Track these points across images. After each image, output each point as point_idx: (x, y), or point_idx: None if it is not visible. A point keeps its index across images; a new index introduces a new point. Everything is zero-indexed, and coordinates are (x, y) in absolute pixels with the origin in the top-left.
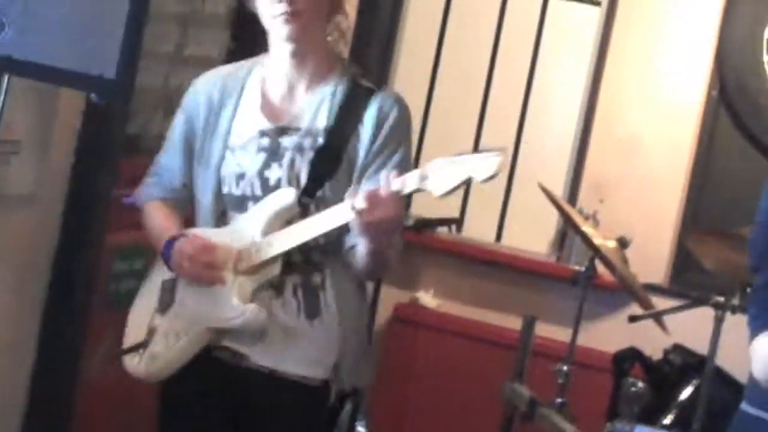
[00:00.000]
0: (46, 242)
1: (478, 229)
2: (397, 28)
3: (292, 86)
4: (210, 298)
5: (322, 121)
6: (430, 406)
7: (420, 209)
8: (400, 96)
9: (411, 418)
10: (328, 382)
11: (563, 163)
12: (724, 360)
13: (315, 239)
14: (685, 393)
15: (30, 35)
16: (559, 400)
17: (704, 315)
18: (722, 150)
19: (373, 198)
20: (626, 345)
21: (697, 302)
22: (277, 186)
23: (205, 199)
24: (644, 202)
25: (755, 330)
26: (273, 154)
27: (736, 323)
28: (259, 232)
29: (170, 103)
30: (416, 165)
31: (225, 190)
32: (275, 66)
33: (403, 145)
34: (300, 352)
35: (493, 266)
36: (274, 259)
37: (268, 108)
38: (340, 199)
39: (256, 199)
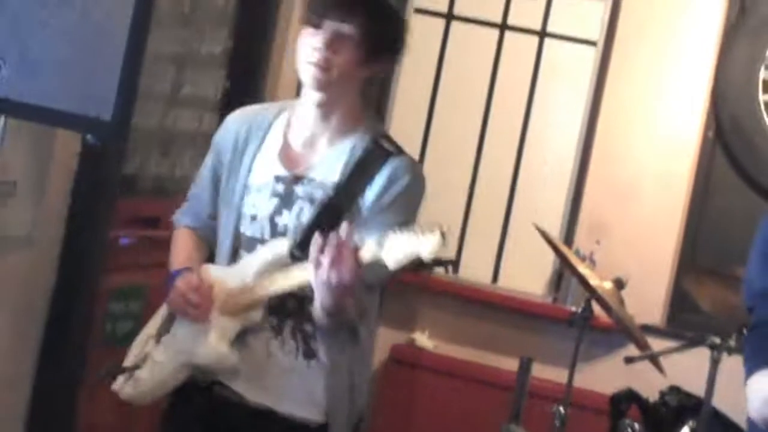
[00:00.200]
0: (42, 283)
1: (475, 270)
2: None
3: (315, 136)
4: (194, 334)
5: (336, 176)
6: None
7: None
8: (416, 164)
9: None
10: (326, 425)
11: (560, 204)
12: (721, 401)
13: (304, 290)
14: None
15: (27, 76)
16: None
17: (701, 356)
18: (718, 190)
19: (330, 249)
20: (623, 386)
21: (693, 343)
22: (284, 233)
23: (224, 234)
24: (641, 242)
25: (751, 370)
26: (285, 200)
27: (733, 364)
28: (251, 276)
29: (166, 143)
30: None
31: (242, 229)
32: (301, 113)
33: (404, 213)
34: (298, 392)
35: (490, 307)
36: (255, 304)
37: (286, 154)
38: None
39: (265, 242)
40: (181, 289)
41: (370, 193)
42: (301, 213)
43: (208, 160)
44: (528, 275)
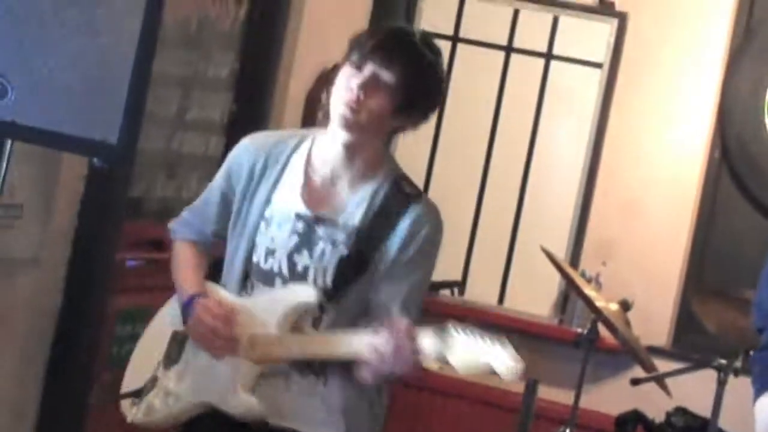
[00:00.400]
0: (49, 305)
1: (481, 291)
2: None
3: (336, 175)
4: (216, 373)
5: (357, 220)
6: None
7: None
8: (436, 209)
9: None
10: None
11: (566, 226)
12: (727, 423)
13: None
14: None
15: (33, 100)
16: None
17: (707, 377)
18: (724, 211)
19: (394, 349)
20: (629, 407)
21: (699, 365)
22: (304, 273)
23: (236, 260)
24: (647, 264)
25: (759, 391)
26: (305, 240)
27: (739, 386)
28: (275, 324)
29: (172, 166)
30: None
31: (254, 259)
32: (324, 149)
33: (425, 264)
34: (317, 413)
35: (496, 329)
36: (284, 361)
37: (309, 192)
38: (358, 302)
39: (283, 277)
40: (210, 323)
41: (394, 243)
42: (323, 256)
43: (219, 181)
44: (534, 297)
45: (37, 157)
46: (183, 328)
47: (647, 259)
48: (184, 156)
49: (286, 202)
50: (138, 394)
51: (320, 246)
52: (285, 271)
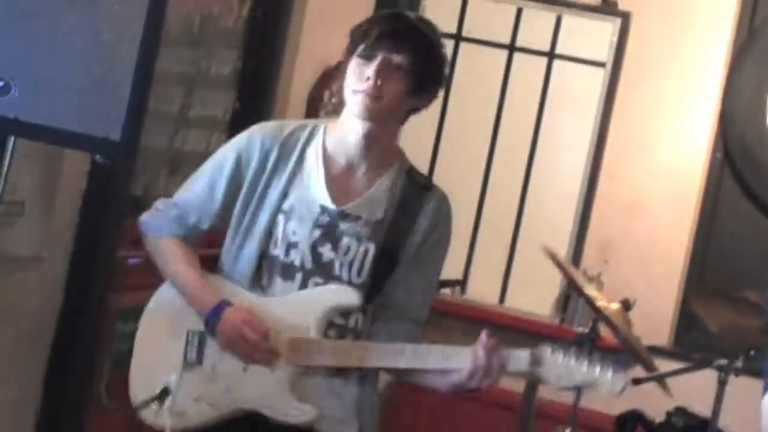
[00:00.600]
0: (50, 302)
1: (482, 290)
2: None
3: (353, 166)
4: (253, 378)
5: (380, 214)
6: None
7: None
8: (447, 197)
9: None
10: None
11: (568, 225)
12: (728, 423)
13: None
14: None
15: (36, 97)
16: None
17: (707, 377)
18: (726, 212)
19: (485, 369)
20: (629, 407)
21: (700, 365)
22: (330, 265)
23: (245, 253)
24: (648, 263)
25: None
26: (329, 233)
27: (740, 386)
28: (314, 327)
29: (175, 163)
30: None
31: (273, 252)
32: (340, 140)
33: (441, 261)
34: (336, 411)
35: (497, 328)
36: (329, 366)
37: (333, 185)
38: (384, 298)
39: (305, 270)
40: (245, 332)
41: (416, 238)
42: (348, 250)
43: (225, 170)
44: (535, 296)
45: (40, 154)
46: (197, 329)
47: (649, 258)
48: (186, 153)
49: (309, 195)
50: (159, 399)
51: (345, 241)
52: (309, 264)
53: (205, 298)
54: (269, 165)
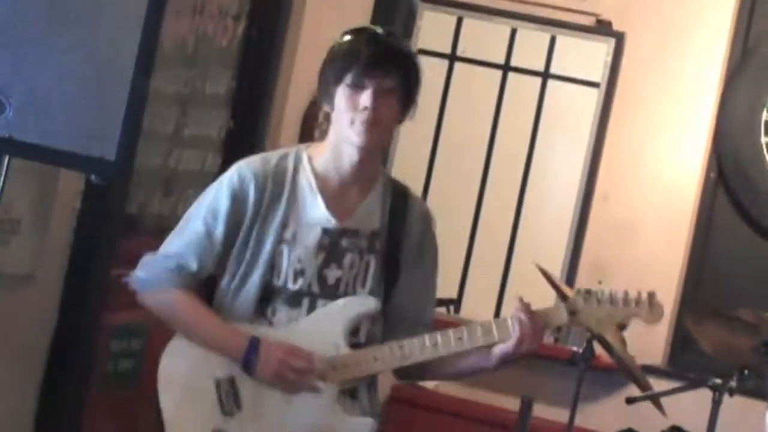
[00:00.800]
0: (44, 320)
1: (476, 309)
2: None
3: (345, 185)
4: (300, 406)
5: (375, 224)
6: None
7: None
8: (421, 199)
9: None
10: None
11: (562, 244)
12: None
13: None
14: None
15: (31, 116)
16: None
17: (702, 397)
18: (720, 231)
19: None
20: (624, 426)
21: (694, 384)
22: (336, 286)
23: (247, 287)
24: (642, 283)
25: None
26: (333, 254)
27: (734, 405)
28: (343, 341)
29: (169, 182)
30: None
31: (278, 282)
32: (330, 162)
33: (436, 260)
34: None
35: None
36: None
37: (331, 207)
38: (396, 306)
39: (312, 295)
40: (283, 357)
41: (412, 236)
42: (353, 265)
43: (222, 212)
44: None
45: (34, 172)
46: (225, 375)
47: (643, 277)
48: (180, 173)
49: (309, 220)
50: None
51: (349, 257)
52: (315, 288)
53: (234, 341)
54: (266, 198)
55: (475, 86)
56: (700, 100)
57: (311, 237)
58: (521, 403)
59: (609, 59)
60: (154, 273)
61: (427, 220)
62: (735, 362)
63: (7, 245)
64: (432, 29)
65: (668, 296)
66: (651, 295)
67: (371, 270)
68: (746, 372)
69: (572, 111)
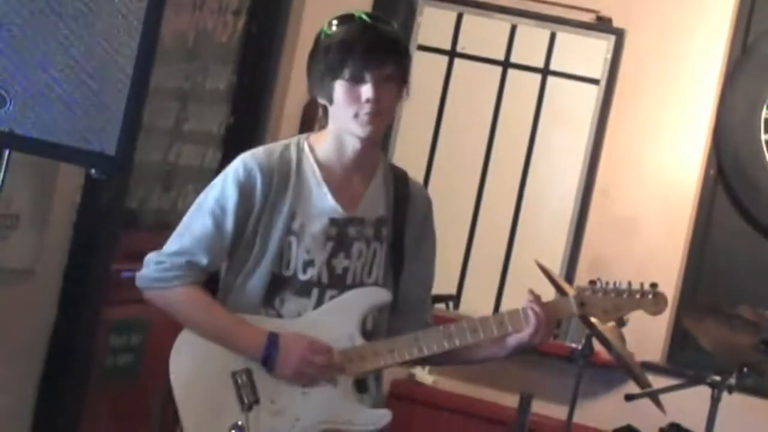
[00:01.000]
0: (44, 315)
1: (476, 305)
2: None
3: (349, 173)
4: (319, 398)
5: (380, 211)
6: None
7: None
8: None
9: None
10: None
11: (561, 241)
12: None
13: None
14: None
15: (32, 110)
16: None
17: (701, 394)
18: (719, 229)
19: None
20: (623, 423)
21: (693, 381)
22: (343, 275)
23: (254, 279)
24: (641, 279)
25: None
26: (341, 243)
27: (733, 402)
28: (357, 333)
29: (169, 177)
30: None
31: (287, 273)
32: (332, 152)
33: (435, 247)
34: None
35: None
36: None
37: (338, 196)
38: (403, 294)
39: (321, 285)
40: (313, 358)
41: (414, 222)
42: (360, 254)
43: (230, 206)
44: None
45: (34, 167)
46: (241, 368)
47: (642, 274)
48: (180, 168)
49: (317, 211)
50: None
51: (356, 246)
52: (324, 278)
53: (251, 336)
54: (273, 189)
55: (475, 83)
56: (700, 97)
57: (319, 227)
58: (520, 399)
59: (609, 56)
60: (160, 271)
61: (427, 205)
62: (734, 359)
63: (7, 240)
64: (432, 25)
65: (667, 293)
66: (654, 285)
67: (378, 258)
68: (745, 369)
69: (572, 108)
